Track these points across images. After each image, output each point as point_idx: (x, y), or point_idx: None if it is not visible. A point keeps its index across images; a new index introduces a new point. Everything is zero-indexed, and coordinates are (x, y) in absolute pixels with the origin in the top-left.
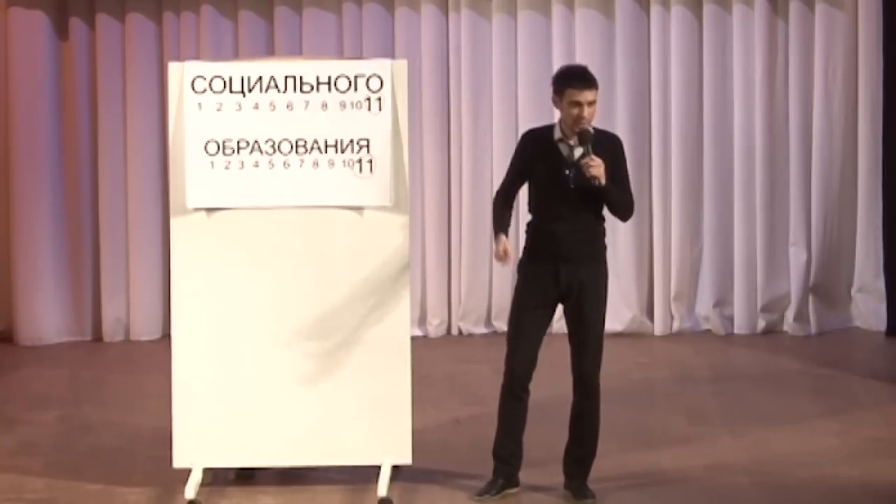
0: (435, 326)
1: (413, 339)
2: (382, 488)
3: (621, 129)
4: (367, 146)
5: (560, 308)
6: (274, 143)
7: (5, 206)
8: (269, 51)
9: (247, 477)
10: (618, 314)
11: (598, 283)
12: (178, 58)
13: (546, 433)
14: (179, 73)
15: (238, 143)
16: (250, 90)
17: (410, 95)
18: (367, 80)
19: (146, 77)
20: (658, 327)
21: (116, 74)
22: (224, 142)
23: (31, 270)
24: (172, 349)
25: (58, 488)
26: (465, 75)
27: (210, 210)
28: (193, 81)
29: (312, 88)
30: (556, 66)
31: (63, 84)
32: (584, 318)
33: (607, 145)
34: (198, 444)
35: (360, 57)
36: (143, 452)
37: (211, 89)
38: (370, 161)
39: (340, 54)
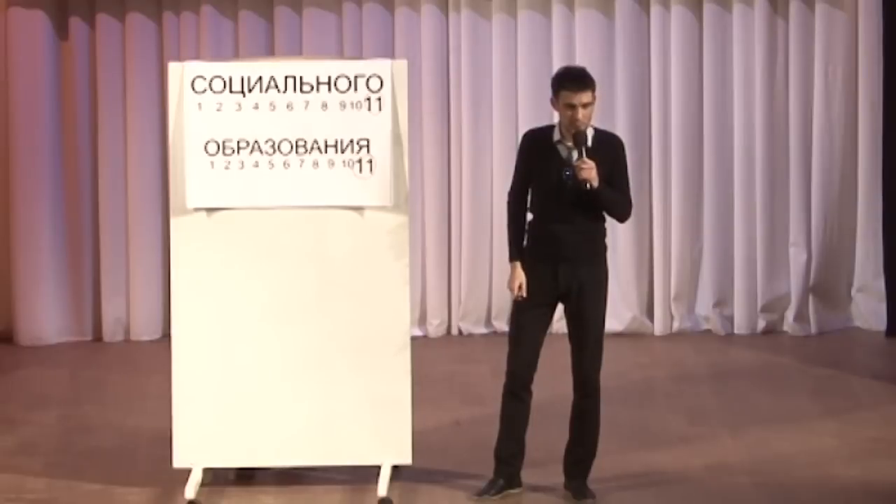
0: (435, 326)
1: (413, 339)
2: (382, 488)
3: (621, 129)
4: (367, 146)
5: (560, 308)
6: (274, 143)
7: (5, 206)
8: (269, 51)
9: (247, 477)
10: (618, 314)
11: (597, 284)
12: (178, 58)
13: (546, 433)
14: (179, 73)
15: (238, 143)
16: (250, 90)
17: (410, 95)
18: (367, 80)
19: (146, 77)
20: (658, 327)
21: (116, 74)
22: (224, 142)
23: (31, 270)
24: (172, 349)
25: (58, 488)
26: (465, 75)
27: (210, 210)
28: (193, 81)
29: (312, 88)
30: (556, 66)
31: (63, 84)
32: (584, 318)
33: (607, 146)
34: (198, 444)
35: (360, 57)
36: (143, 452)
37: (211, 89)
38: (370, 161)
39: (340, 54)
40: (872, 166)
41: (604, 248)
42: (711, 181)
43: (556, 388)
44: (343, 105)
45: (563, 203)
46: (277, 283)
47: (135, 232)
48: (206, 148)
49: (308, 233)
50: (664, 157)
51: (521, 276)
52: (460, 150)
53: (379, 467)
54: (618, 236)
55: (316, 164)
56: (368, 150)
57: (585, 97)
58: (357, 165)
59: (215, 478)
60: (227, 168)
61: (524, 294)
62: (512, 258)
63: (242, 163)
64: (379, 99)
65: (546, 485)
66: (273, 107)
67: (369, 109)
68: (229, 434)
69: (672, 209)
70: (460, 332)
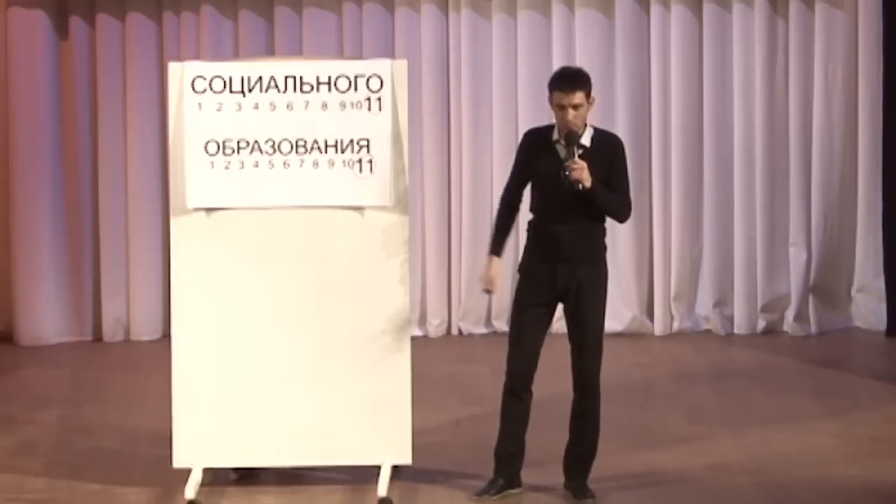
0: (435, 326)
1: (413, 339)
2: (382, 488)
3: (621, 129)
4: (367, 146)
5: (560, 308)
6: (274, 143)
7: (5, 206)
8: (269, 51)
9: (250, 477)
10: (618, 314)
11: (596, 284)
12: (178, 58)
13: (546, 433)
14: (179, 73)
15: (238, 143)
16: (250, 90)
17: (410, 95)
18: (367, 80)
19: (146, 77)
20: (658, 327)
21: (116, 74)
22: (224, 142)
23: (31, 270)
24: (172, 349)
25: (58, 488)
26: (465, 75)
27: (210, 210)
28: (193, 81)
29: (312, 88)
30: (556, 66)
31: (63, 84)
32: (583, 318)
33: (605, 146)
34: (198, 444)
35: (360, 57)
36: (143, 452)
37: (211, 89)
38: (370, 161)
39: (340, 54)
40: (872, 166)
41: (603, 248)
42: (711, 181)
43: (556, 388)
44: (343, 105)
45: (562, 203)
46: (277, 283)
47: (135, 232)
48: (206, 148)
49: (308, 233)
50: (664, 157)
51: (494, 271)
52: (460, 150)
53: (379, 467)
54: (618, 236)
55: (316, 164)
56: (368, 150)
57: (576, 98)
58: (357, 165)
59: (215, 478)
60: (227, 168)
61: (494, 290)
62: (490, 251)
63: (242, 163)
64: (379, 99)
65: (546, 485)
66: (273, 107)
67: (369, 109)
68: (229, 434)
69: (672, 209)
70: (460, 332)
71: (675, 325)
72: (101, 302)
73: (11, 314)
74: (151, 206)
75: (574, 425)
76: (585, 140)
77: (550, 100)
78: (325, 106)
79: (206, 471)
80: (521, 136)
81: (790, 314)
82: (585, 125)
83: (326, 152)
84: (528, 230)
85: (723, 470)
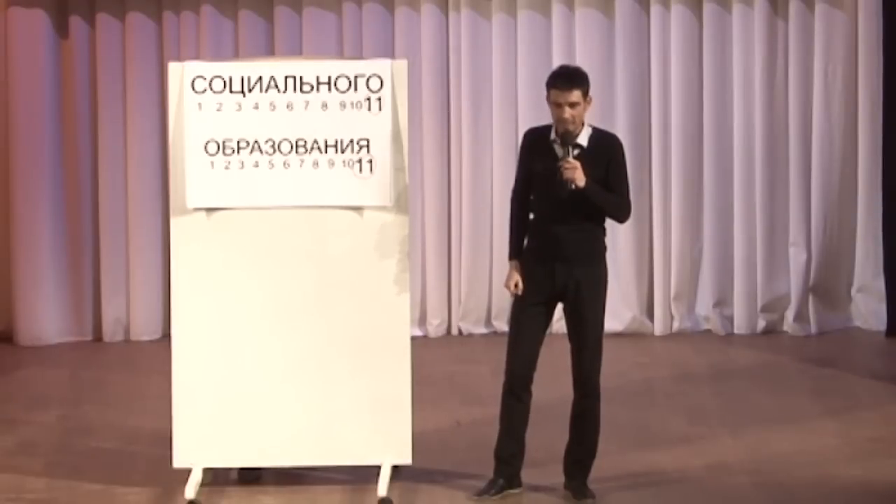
0: (435, 326)
1: (413, 339)
2: (382, 488)
3: (621, 129)
4: (367, 146)
5: (560, 308)
6: (274, 143)
7: (5, 206)
8: (269, 51)
9: (252, 477)
10: (618, 314)
11: (595, 283)
12: (178, 58)
13: (546, 433)
14: (179, 73)
15: (238, 143)
16: (250, 90)
17: (410, 95)
18: (367, 80)
19: (146, 77)
20: (658, 327)
21: (116, 74)
22: (224, 142)
23: (31, 270)
24: (172, 349)
25: (58, 488)
26: (465, 75)
27: (210, 210)
28: (193, 81)
29: (312, 88)
30: (556, 65)
31: (63, 84)
32: (583, 318)
33: (603, 146)
34: (198, 444)
35: (360, 57)
36: (143, 452)
37: (211, 89)
38: (370, 161)
39: (340, 54)
40: (872, 166)
41: (602, 247)
42: (711, 181)
43: (556, 389)
44: (343, 105)
45: (560, 203)
46: (277, 283)
47: (135, 232)
48: (206, 148)
49: (308, 233)
50: (664, 157)
51: (516, 276)
52: (460, 150)
53: (379, 467)
54: (618, 236)
55: (316, 164)
56: (368, 150)
57: (573, 96)
58: (357, 165)
59: (215, 478)
60: (227, 168)
61: (520, 292)
62: (510, 257)
63: (242, 163)
64: (379, 99)
65: (546, 485)
66: (273, 107)
67: (369, 109)
68: (229, 434)
69: (672, 209)
70: (460, 332)
71: (675, 325)
72: (101, 302)
73: (11, 314)
74: (151, 206)
75: (574, 425)
76: (583, 139)
77: (548, 98)
78: (325, 106)
79: (206, 471)
80: (521, 136)
81: (790, 314)
82: (583, 124)
83: (326, 152)
84: (529, 229)
85: (723, 470)
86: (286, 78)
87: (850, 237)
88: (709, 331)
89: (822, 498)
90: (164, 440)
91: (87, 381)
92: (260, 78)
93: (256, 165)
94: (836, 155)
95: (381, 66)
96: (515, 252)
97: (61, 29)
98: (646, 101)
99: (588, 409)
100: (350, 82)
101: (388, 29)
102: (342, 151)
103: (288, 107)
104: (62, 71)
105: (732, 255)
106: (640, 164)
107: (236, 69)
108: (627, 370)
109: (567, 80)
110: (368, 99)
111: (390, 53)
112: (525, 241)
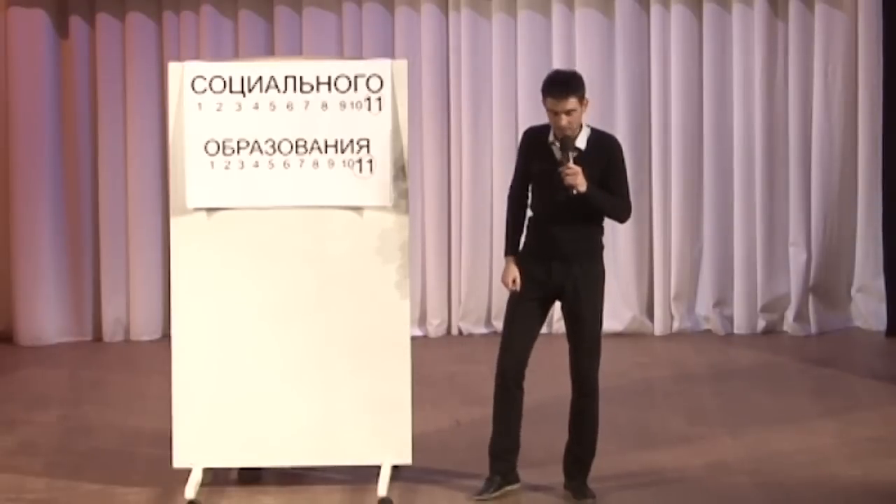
0: (435, 326)
1: (413, 339)
2: (382, 488)
3: (621, 129)
4: (367, 146)
5: (559, 308)
6: (274, 143)
7: (5, 206)
8: (269, 51)
9: (252, 477)
10: (618, 314)
11: (593, 282)
12: (178, 58)
13: (546, 433)
14: (179, 73)
15: (238, 143)
16: (250, 90)
17: (410, 95)
18: (367, 80)
19: (146, 77)
20: (658, 327)
21: (116, 74)
22: (224, 142)
23: (31, 270)
24: (172, 349)
25: (58, 488)
26: (465, 75)
27: (210, 210)
28: (193, 81)
29: (312, 88)
30: (556, 65)
31: (63, 84)
32: (580, 316)
33: (602, 147)
34: (198, 444)
35: (360, 57)
36: (143, 452)
37: (211, 89)
38: (370, 161)
39: (340, 54)
40: (872, 166)
41: (600, 246)
42: (711, 181)
43: (555, 389)
44: (343, 105)
45: (558, 202)
46: (277, 283)
47: (135, 232)
48: (206, 148)
49: (308, 233)
50: (664, 157)
51: (514, 271)
52: (460, 150)
53: (379, 467)
54: (618, 236)
55: (316, 164)
56: (368, 150)
57: (569, 104)
58: (357, 165)
59: (215, 478)
60: (227, 168)
61: (517, 288)
62: (506, 252)
63: (242, 163)
64: (379, 99)
65: (546, 485)
66: (273, 107)
67: (369, 109)
68: (229, 434)
69: (672, 209)
70: (460, 332)
71: (675, 325)
72: (101, 302)
73: (11, 314)
74: (151, 206)
75: (573, 425)
76: (581, 141)
77: (544, 103)
78: (325, 106)
79: (206, 471)
80: (520, 136)
81: (790, 314)
82: (581, 126)
83: (326, 152)
84: (527, 227)
85: (723, 470)
86: (286, 78)
87: (850, 237)
88: (709, 331)
89: (821, 498)
90: (164, 440)
91: (87, 381)
92: (260, 78)
93: (256, 165)
94: (836, 155)
95: (381, 66)
96: (512, 248)
97: (61, 29)
98: (646, 102)
99: (586, 408)
100: (350, 82)
101: (388, 29)
102: (342, 151)
103: (288, 107)
104: (62, 71)
105: (732, 255)
106: (640, 164)
107: (236, 69)
108: (627, 370)
109: (562, 87)
110: (368, 99)
111: (390, 53)
112: (522, 240)
